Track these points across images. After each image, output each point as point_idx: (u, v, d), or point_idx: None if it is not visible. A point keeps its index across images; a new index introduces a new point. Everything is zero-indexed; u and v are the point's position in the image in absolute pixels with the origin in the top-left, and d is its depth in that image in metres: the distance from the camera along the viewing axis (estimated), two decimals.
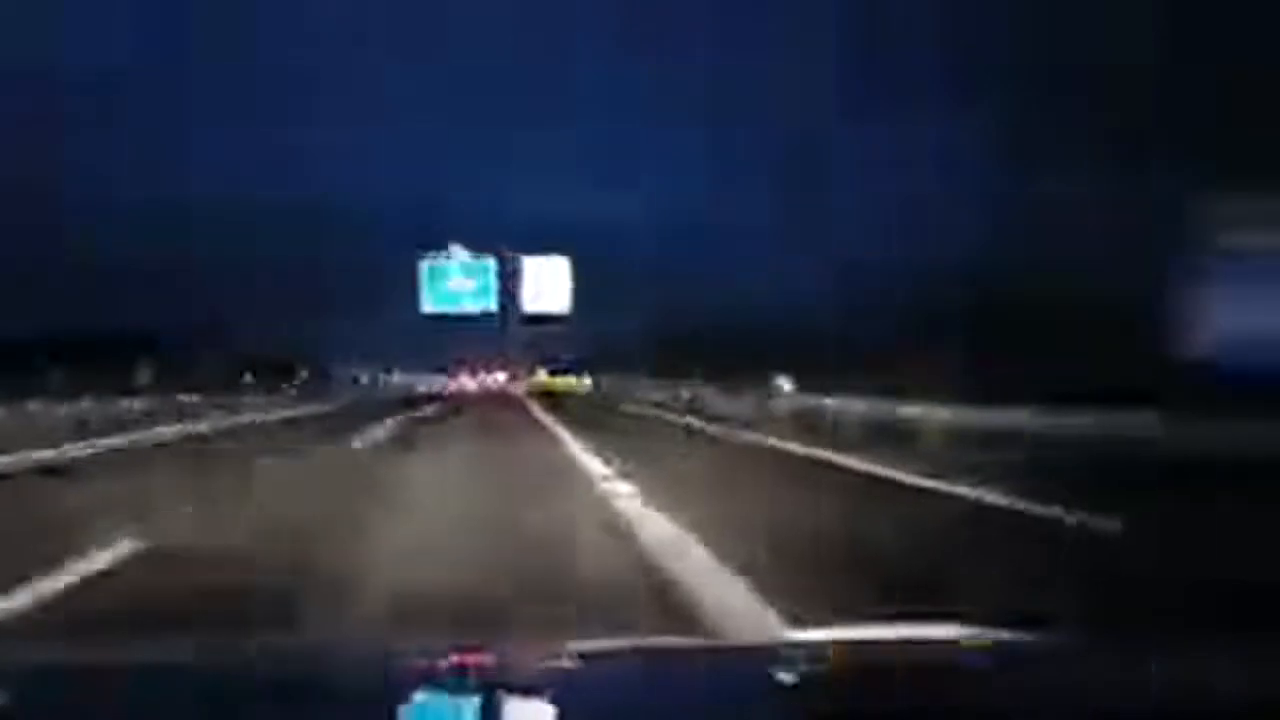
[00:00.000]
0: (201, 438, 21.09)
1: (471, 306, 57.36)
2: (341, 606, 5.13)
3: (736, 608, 4.96)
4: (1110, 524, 7.41)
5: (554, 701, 1.56)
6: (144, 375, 41.26)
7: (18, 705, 1.48)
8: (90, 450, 16.56)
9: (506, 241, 57.39)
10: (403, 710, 1.55)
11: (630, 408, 38.50)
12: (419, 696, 1.63)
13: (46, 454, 15.30)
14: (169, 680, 1.68)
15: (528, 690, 1.66)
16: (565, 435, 19.49)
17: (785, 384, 34.44)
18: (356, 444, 18.02)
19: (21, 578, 5.60)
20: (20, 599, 5.29)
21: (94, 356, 39.75)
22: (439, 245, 56.55)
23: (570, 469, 12.91)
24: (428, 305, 57.15)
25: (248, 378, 55.31)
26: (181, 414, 27.77)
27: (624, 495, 9.44)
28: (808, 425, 20.41)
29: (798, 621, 4.20)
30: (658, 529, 7.44)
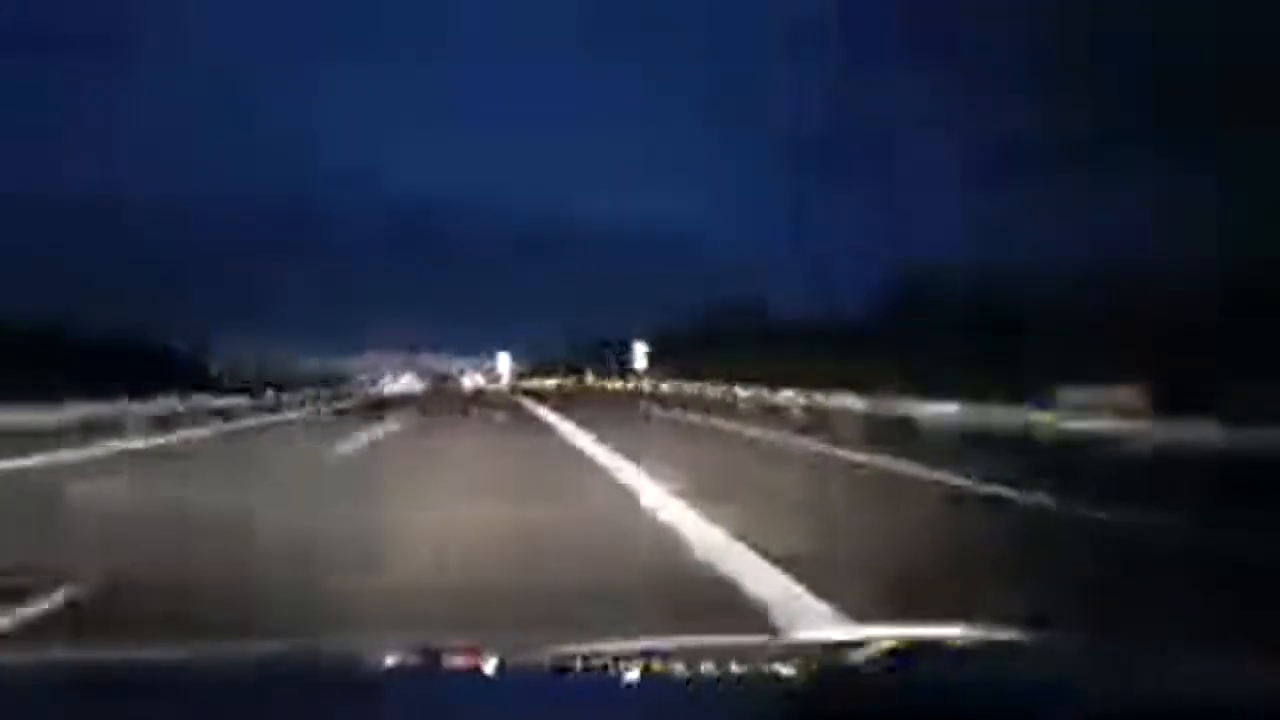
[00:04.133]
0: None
1: None
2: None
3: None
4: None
5: (554, 701, 1.57)
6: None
7: (19, 705, 1.48)
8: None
9: None
10: (402, 709, 1.55)
11: None
12: (418, 696, 1.63)
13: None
14: (169, 680, 1.69)
15: (527, 690, 1.66)
16: None
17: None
18: None
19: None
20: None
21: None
22: None
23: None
24: None
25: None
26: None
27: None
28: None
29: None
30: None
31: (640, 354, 57.18)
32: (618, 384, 57.01)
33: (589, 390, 61.42)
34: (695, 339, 47.88)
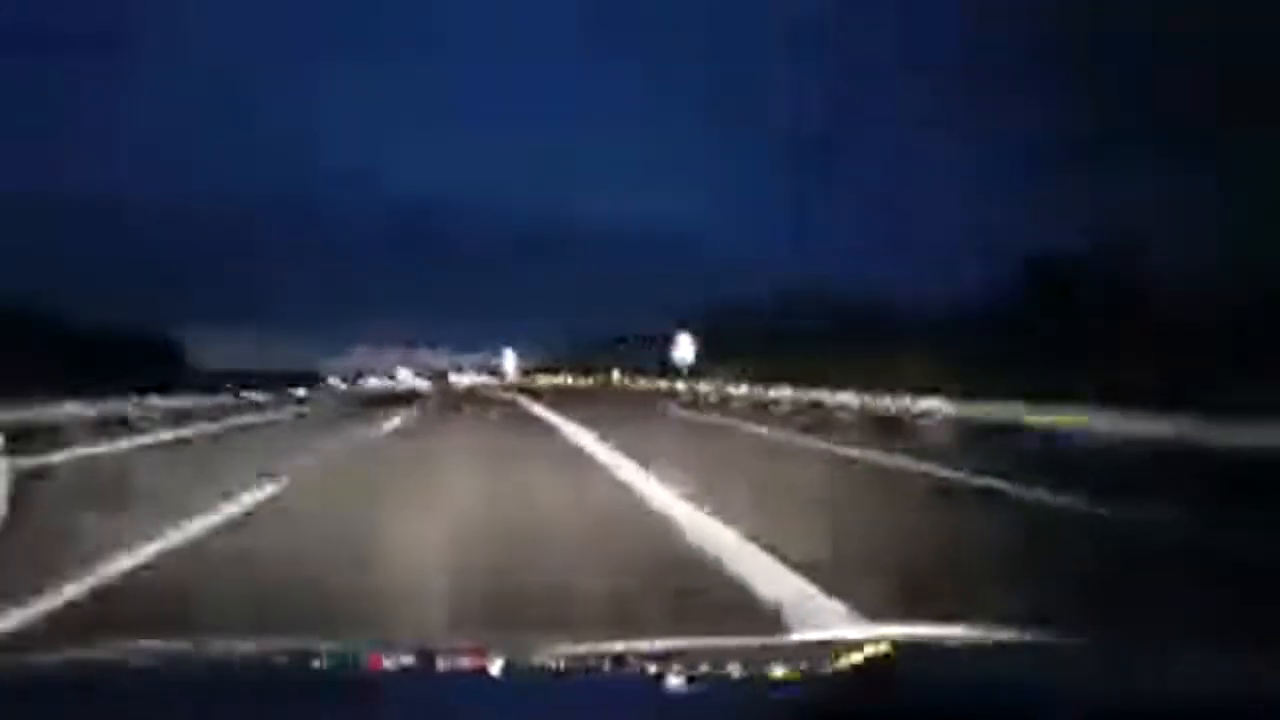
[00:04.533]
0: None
1: None
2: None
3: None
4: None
5: (553, 702, 1.57)
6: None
7: (19, 705, 1.48)
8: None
9: None
10: (403, 711, 1.55)
11: None
12: (419, 696, 1.63)
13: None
14: (168, 680, 1.69)
15: (527, 691, 1.66)
16: None
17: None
18: None
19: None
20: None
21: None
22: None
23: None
24: None
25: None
26: None
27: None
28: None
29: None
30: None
31: (686, 348, 42.97)
32: (661, 384, 44.27)
33: (613, 390, 51.89)
34: (756, 335, 39.84)
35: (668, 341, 44.81)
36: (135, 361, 35.37)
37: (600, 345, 72.24)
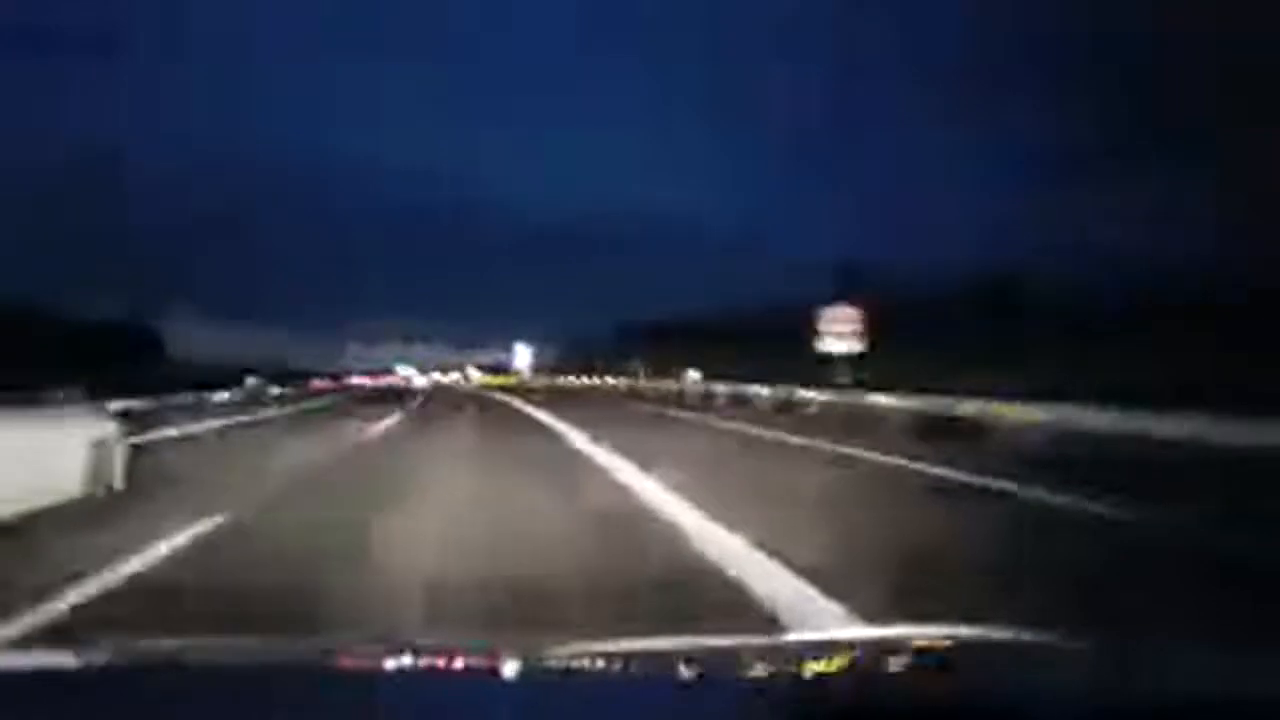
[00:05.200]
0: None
1: None
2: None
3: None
4: None
5: (554, 701, 1.58)
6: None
7: (19, 705, 1.49)
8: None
9: None
10: (404, 709, 1.56)
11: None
12: (421, 695, 1.64)
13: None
14: (169, 679, 1.70)
15: (527, 690, 1.68)
16: None
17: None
18: None
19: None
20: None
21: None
22: None
23: None
24: None
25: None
26: None
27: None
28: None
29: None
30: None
31: (841, 334, 28.08)
32: (810, 395, 24.49)
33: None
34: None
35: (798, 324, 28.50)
36: (120, 353, 34.45)
37: (641, 340, 55.28)
